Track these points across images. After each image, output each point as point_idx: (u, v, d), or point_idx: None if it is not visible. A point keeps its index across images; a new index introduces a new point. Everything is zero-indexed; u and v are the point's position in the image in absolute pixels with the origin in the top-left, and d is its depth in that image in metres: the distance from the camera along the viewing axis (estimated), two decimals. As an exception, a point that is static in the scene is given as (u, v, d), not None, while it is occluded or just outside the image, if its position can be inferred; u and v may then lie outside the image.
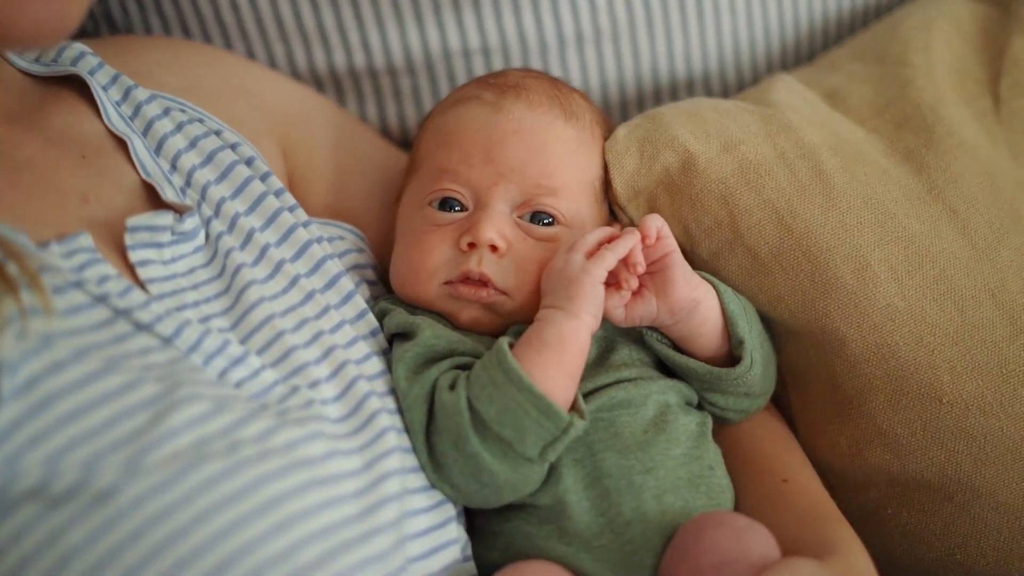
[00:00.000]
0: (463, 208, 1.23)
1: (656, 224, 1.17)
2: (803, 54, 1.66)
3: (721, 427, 1.29)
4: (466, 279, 1.20)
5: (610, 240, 1.16)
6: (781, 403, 1.38)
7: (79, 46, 1.24)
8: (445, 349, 1.17)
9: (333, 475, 1.02)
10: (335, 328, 1.15)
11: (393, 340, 1.20)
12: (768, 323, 1.35)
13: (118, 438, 0.93)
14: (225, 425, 0.98)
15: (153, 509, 0.92)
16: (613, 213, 1.34)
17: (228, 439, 0.97)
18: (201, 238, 1.14)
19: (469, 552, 1.15)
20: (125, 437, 0.93)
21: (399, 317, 1.20)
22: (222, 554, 0.93)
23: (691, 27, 1.60)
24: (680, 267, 1.18)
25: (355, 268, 1.29)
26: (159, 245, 1.10)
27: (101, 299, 1.01)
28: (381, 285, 1.33)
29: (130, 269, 1.08)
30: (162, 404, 0.95)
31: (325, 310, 1.16)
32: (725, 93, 1.65)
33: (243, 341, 1.09)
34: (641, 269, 1.15)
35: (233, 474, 0.95)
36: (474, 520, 1.18)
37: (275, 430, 1.00)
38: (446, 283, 1.21)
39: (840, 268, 1.29)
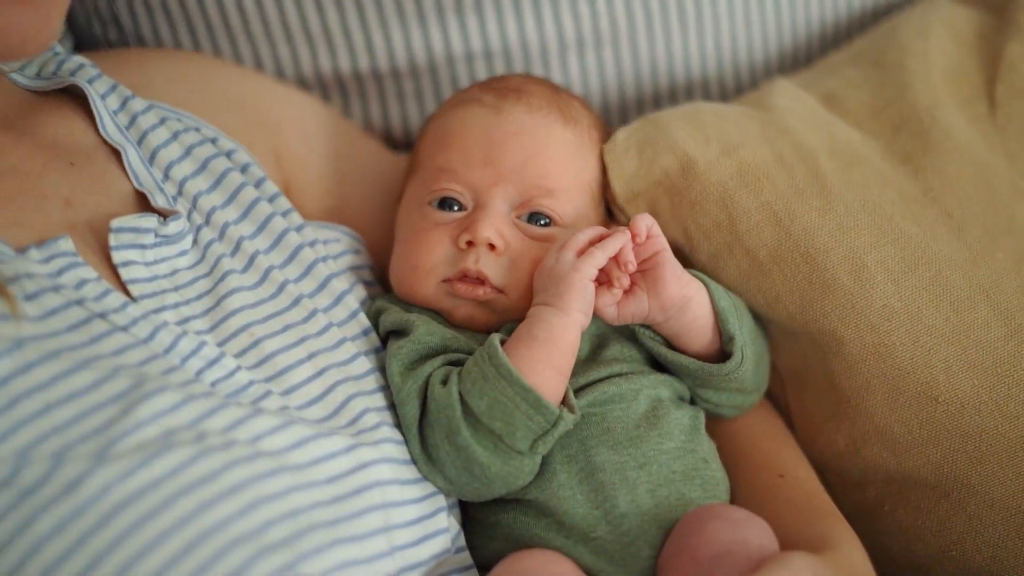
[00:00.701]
0: (462, 208, 1.25)
1: (646, 223, 1.18)
2: (801, 58, 1.68)
3: (718, 423, 1.30)
4: (464, 277, 1.22)
5: (601, 239, 1.18)
6: (779, 402, 1.39)
7: (79, 58, 1.26)
8: (439, 345, 1.19)
9: (305, 462, 1.04)
10: (322, 331, 1.17)
11: (388, 337, 1.22)
12: (766, 324, 1.36)
13: (87, 431, 0.95)
14: (192, 417, 1.00)
15: (120, 495, 0.94)
16: (611, 214, 1.36)
17: (195, 430, 0.99)
18: (187, 242, 1.16)
19: (461, 543, 1.17)
20: (93, 430, 0.96)
21: (394, 315, 1.22)
22: (190, 534, 0.95)
23: (690, 32, 1.61)
24: (670, 265, 1.19)
25: (351, 269, 1.31)
26: (142, 247, 1.12)
27: (78, 302, 1.03)
28: (378, 285, 1.35)
29: (114, 270, 1.10)
30: (130, 397, 0.98)
31: (312, 314, 1.18)
32: (723, 97, 1.66)
33: (220, 344, 1.11)
34: (632, 267, 1.17)
35: (199, 460, 0.98)
36: (474, 511, 1.20)
37: (243, 420, 1.02)
38: (444, 281, 1.23)
39: (837, 269, 1.31)
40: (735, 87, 1.66)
